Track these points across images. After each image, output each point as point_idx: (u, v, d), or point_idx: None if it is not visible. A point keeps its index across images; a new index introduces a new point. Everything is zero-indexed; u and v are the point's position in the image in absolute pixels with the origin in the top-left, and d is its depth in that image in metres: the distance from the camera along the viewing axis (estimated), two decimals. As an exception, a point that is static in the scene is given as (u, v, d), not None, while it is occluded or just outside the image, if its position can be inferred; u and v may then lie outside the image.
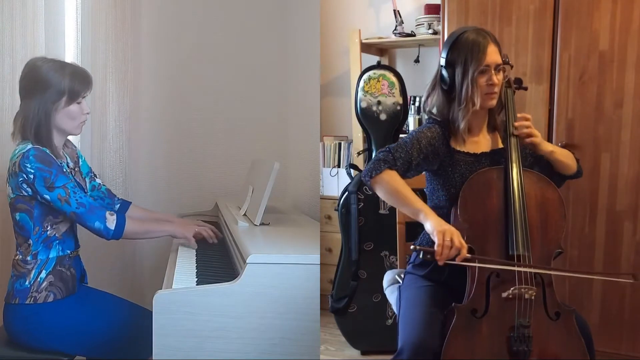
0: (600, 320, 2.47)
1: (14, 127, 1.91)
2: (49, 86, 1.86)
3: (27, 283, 1.84)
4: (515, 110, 1.80)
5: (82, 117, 1.93)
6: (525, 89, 1.92)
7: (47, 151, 1.83)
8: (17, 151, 1.84)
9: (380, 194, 1.72)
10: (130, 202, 2.26)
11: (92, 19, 2.65)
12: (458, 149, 1.79)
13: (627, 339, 2.45)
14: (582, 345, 1.59)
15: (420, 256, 1.57)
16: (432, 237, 1.58)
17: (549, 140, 2.51)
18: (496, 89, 1.74)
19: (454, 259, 1.55)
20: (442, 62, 1.79)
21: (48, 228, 1.87)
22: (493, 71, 1.73)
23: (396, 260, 2.67)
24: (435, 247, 1.54)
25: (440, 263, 1.55)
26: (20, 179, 1.80)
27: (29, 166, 1.78)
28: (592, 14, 2.40)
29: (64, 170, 1.89)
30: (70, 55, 2.70)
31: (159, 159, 3.00)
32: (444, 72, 1.79)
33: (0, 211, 2.34)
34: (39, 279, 1.85)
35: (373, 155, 2.86)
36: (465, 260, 1.57)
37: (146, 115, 2.91)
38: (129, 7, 2.75)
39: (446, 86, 1.79)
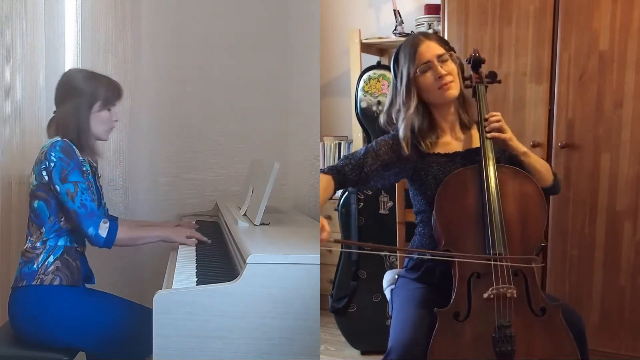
0: (600, 320, 2.47)
1: (49, 132, 2.06)
2: (85, 92, 2.02)
3: (35, 266, 1.92)
4: (487, 107, 1.79)
5: (111, 123, 2.10)
6: (499, 82, 1.90)
7: (74, 146, 1.95)
8: (47, 143, 1.97)
9: None
10: (116, 218, 2.29)
11: (92, 19, 2.65)
12: (429, 151, 1.78)
13: (627, 339, 2.45)
14: (571, 339, 1.57)
15: None
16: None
17: (549, 140, 2.51)
18: (448, 78, 1.73)
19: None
20: (392, 79, 1.83)
21: (62, 219, 1.96)
22: (437, 64, 1.73)
23: (396, 260, 2.67)
24: None
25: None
26: (43, 167, 1.92)
27: (53, 155, 1.90)
28: (592, 13, 2.40)
29: (84, 169, 1.98)
30: (70, 55, 2.70)
31: (159, 159, 3.00)
32: (396, 87, 1.81)
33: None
34: (46, 263, 1.92)
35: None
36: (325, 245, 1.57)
37: (146, 115, 2.91)
38: (129, 8, 2.74)
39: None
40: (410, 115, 1.75)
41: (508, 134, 1.73)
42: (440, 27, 2.87)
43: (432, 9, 3.12)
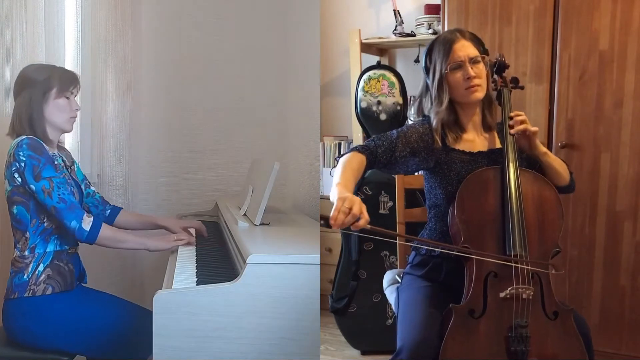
0: (600, 320, 2.47)
1: (10, 126, 1.96)
2: (38, 80, 1.92)
3: (25, 277, 1.85)
4: (511, 110, 1.81)
5: (71, 112, 1.98)
6: (522, 88, 1.92)
7: (41, 142, 1.86)
8: (13, 143, 1.88)
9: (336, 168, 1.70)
10: (121, 208, 2.27)
11: (92, 19, 2.65)
12: (453, 147, 1.79)
13: (627, 339, 2.45)
14: (581, 344, 1.59)
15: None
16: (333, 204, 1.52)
17: (549, 140, 2.51)
18: (476, 81, 1.74)
19: (349, 228, 1.51)
20: (423, 70, 1.83)
21: (45, 220, 1.88)
22: (468, 64, 1.73)
23: (396, 260, 2.67)
24: (332, 212, 1.48)
25: (335, 227, 1.50)
26: (14, 168, 1.83)
27: (22, 154, 1.82)
28: (592, 14, 2.40)
29: (55, 162, 1.90)
30: (70, 55, 2.70)
31: (159, 158, 3.00)
32: (427, 80, 1.82)
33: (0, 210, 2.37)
34: (37, 272, 1.86)
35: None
36: (364, 231, 1.53)
37: (146, 115, 2.91)
38: (129, 7, 2.75)
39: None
40: (442, 109, 1.76)
41: (532, 129, 1.75)
42: (440, 27, 2.87)
43: (432, 9, 3.12)
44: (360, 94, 2.92)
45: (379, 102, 2.90)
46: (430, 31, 3.08)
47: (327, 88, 3.60)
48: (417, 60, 3.27)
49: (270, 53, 3.01)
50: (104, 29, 2.67)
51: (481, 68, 1.76)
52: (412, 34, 3.18)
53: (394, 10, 3.20)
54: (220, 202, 2.70)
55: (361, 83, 2.93)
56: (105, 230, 1.89)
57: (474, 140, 1.82)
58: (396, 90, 2.90)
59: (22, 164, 1.81)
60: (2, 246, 2.41)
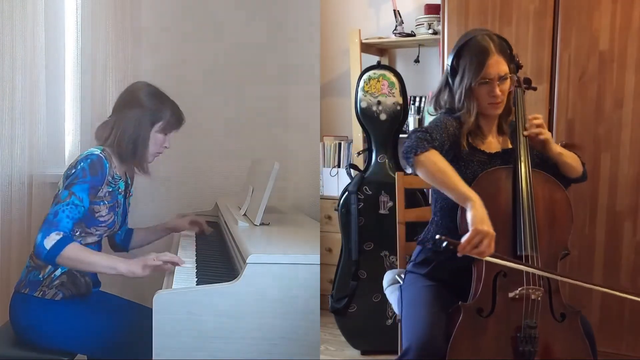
0: (600, 320, 2.47)
1: (98, 134, 2.00)
2: (149, 108, 1.98)
3: (40, 276, 1.87)
4: (525, 110, 1.79)
5: (160, 148, 2.06)
6: (534, 89, 1.90)
7: (107, 165, 1.89)
8: (85, 152, 1.91)
9: (422, 173, 1.64)
10: (132, 230, 2.27)
11: (92, 19, 2.65)
12: (475, 145, 1.79)
13: (627, 339, 2.45)
14: (587, 347, 1.59)
15: (444, 245, 1.51)
16: (468, 226, 1.52)
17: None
18: (499, 99, 1.74)
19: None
20: (448, 67, 1.80)
21: (77, 233, 1.89)
22: (496, 82, 1.71)
23: (396, 260, 2.67)
24: (462, 240, 1.50)
25: (459, 255, 1.51)
26: (69, 172, 1.87)
27: (80, 165, 1.85)
28: (592, 14, 2.40)
29: (96, 188, 1.87)
30: (70, 55, 2.70)
31: (159, 158, 2.99)
32: (450, 79, 1.79)
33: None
34: (52, 276, 1.87)
35: (373, 156, 2.87)
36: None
37: (146, 115, 2.90)
38: (128, 7, 2.74)
39: (453, 92, 1.80)
40: (472, 120, 1.74)
41: (546, 136, 1.75)
42: (440, 27, 2.87)
43: (432, 9, 3.12)
44: (360, 94, 2.92)
45: (379, 102, 2.89)
46: (430, 31, 3.08)
47: (327, 88, 3.60)
48: (417, 60, 3.27)
49: (271, 53, 3.00)
50: (104, 29, 2.67)
51: (507, 85, 1.75)
52: (412, 34, 3.18)
53: (394, 10, 3.21)
54: (220, 202, 2.70)
55: (361, 83, 2.93)
56: (72, 251, 1.73)
57: (491, 142, 1.83)
58: (396, 90, 2.90)
59: (74, 171, 1.84)
60: (1, 246, 2.42)
